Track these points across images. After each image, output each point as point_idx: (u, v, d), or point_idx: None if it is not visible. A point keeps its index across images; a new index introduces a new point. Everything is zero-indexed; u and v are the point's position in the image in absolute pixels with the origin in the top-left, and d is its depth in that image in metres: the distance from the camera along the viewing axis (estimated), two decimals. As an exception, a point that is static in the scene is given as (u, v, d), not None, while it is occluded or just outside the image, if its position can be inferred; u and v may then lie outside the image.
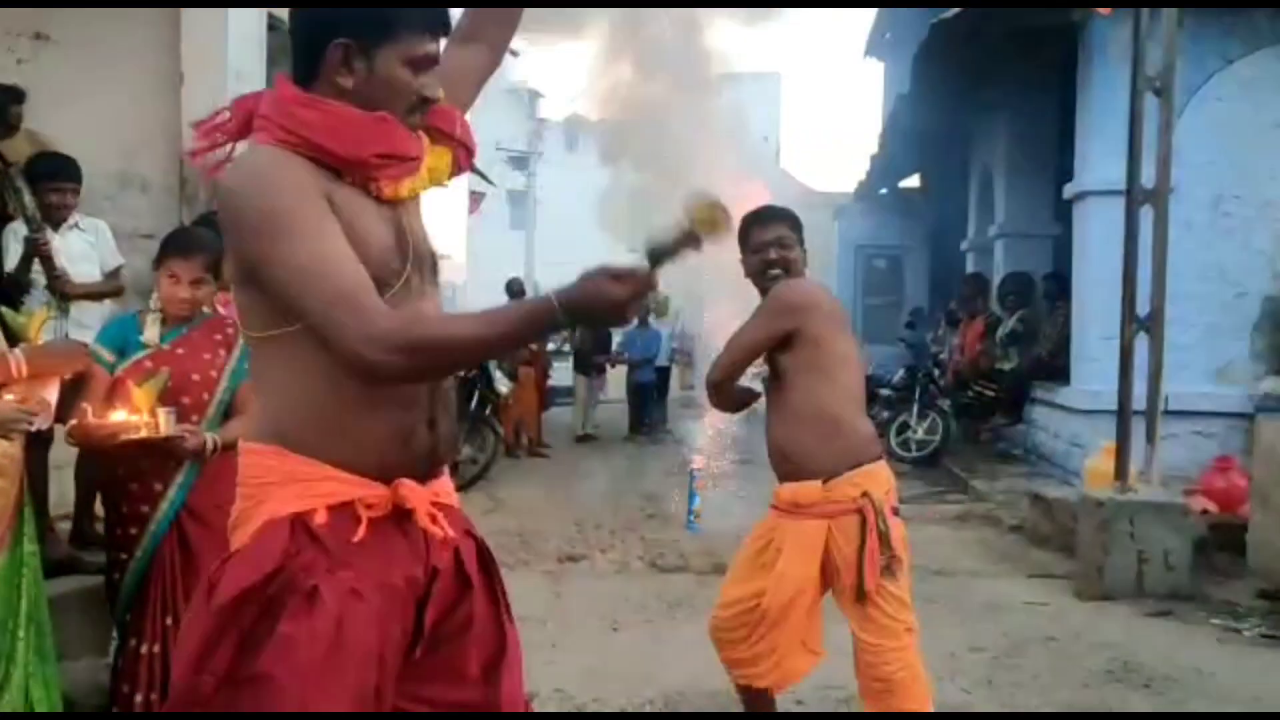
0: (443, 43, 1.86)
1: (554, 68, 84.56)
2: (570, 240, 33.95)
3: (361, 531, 1.72)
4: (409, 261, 1.80)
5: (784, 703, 3.69)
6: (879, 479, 3.19)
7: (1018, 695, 4.42)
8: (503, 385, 11.28)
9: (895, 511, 3.20)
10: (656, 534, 7.58)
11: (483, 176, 15.34)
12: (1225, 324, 8.29)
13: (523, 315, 1.76)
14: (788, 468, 3.27)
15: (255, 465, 1.79)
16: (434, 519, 1.79)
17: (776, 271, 3.29)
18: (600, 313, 1.78)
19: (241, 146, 1.86)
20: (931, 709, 3.14)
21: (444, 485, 1.90)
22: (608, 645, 5.05)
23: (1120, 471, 6.36)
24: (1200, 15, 7.96)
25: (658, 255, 1.85)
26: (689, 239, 1.84)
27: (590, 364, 13.53)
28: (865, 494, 3.11)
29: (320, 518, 1.72)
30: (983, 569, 6.65)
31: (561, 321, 1.72)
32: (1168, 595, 5.86)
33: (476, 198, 21.10)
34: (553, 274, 14.33)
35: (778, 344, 3.24)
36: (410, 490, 1.77)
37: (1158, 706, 4.28)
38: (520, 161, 32.79)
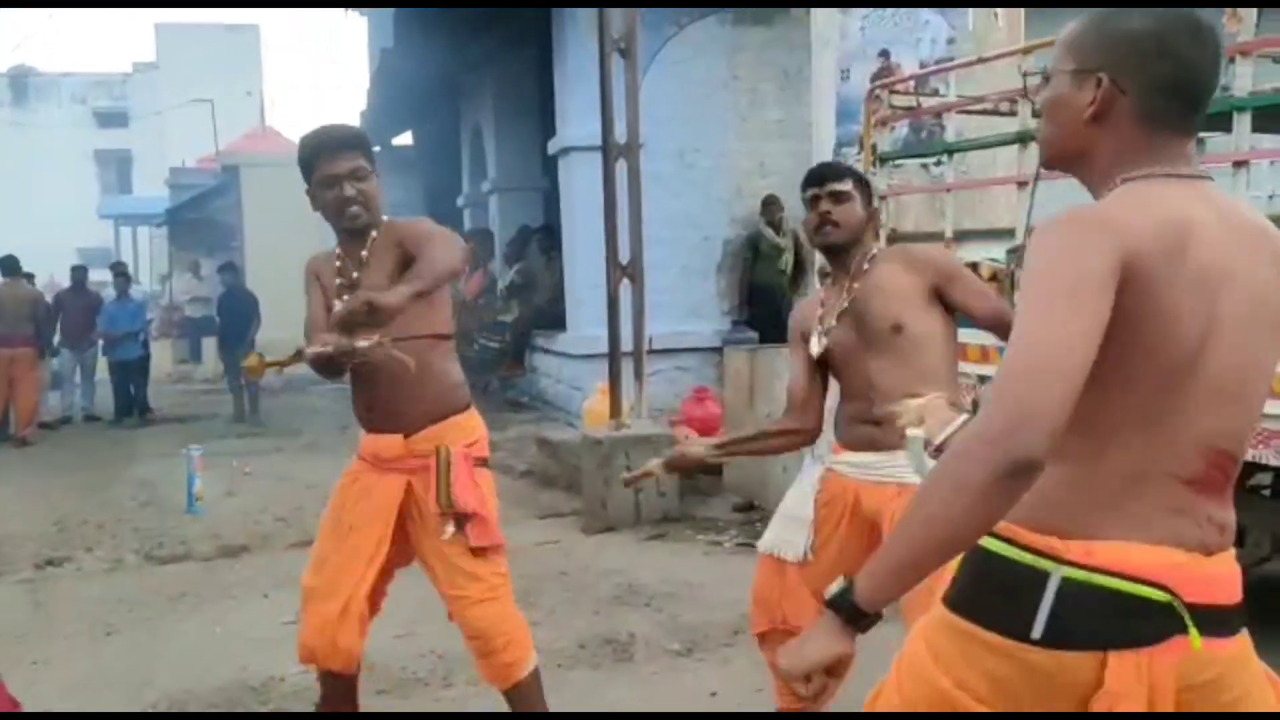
0: None
1: (-9, 10, 74.43)
2: (24, 205, 30.31)
3: None
4: None
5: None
6: (463, 429, 3.05)
7: (537, 632, 4.54)
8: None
9: (484, 462, 3.10)
10: (152, 523, 6.97)
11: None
12: (694, 266, 9.15)
13: None
14: (370, 419, 3.07)
15: None
16: None
17: (356, 210, 2.96)
18: None
19: None
20: (532, 657, 3.10)
21: None
22: (100, 652, 4.57)
23: (614, 409, 6.83)
24: (654, -17, 8.60)
25: None
26: None
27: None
28: (438, 448, 2.97)
29: None
30: (499, 516, 6.83)
31: None
32: (662, 519, 6.41)
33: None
34: (4, 244, 12.49)
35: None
36: None
37: (658, 622, 4.66)
38: (-44, 118, 28.50)
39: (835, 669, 1.53)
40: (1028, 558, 1.45)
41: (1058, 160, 1.60)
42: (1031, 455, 1.29)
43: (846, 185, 2.95)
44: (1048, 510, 1.45)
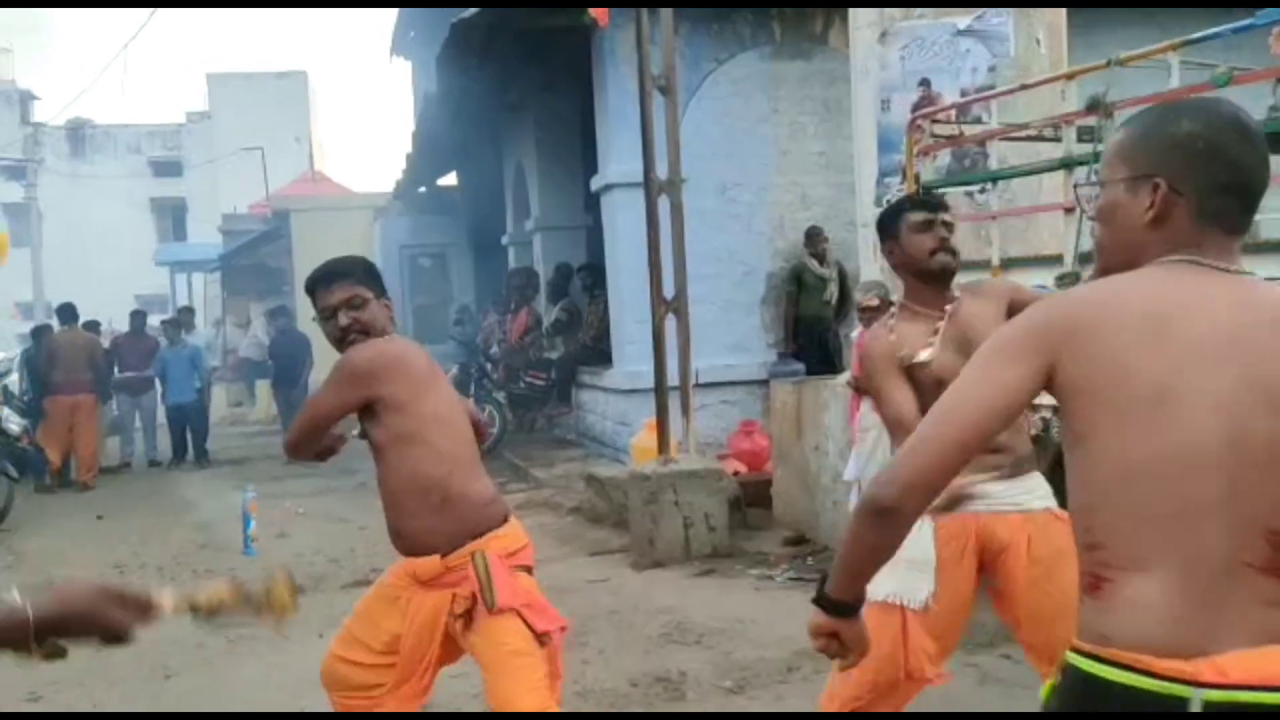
0: None
1: (47, 66, 76.64)
2: (83, 254, 31.02)
3: None
4: None
5: None
6: (501, 542, 2.98)
7: (587, 671, 4.58)
8: (13, 424, 10.05)
9: (528, 570, 3.05)
10: (210, 565, 7.07)
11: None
12: (738, 300, 9.15)
13: None
14: (403, 544, 3.03)
15: None
16: None
17: (355, 337, 2.97)
18: (90, 637, 1.57)
19: None
20: None
21: None
22: (159, 696, 4.63)
23: (662, 445, 6.82)
24: (693, 21, 8.72)
25: (203, 611, 1.82)
26: (251, 610, 1.89)
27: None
28: (473, 554, 2.91)
29: None
30: (547, 554, 6.82)
31: (33, 644, 1.49)
32: (711, 555, 6.37)
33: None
34: (63, 292, 12.80)
35: (362, 414, 2.97)
36: None
37: (709, 660, 4.62)
38: (16, 171, 29.26)
39: (853, 645, 1.70)
40: (1158, 685, 1.39)
41: (1117, 262, 1.59)
42: (886, 505, 1.52)
43: (952, 219, 3.02)
44: (1160, 630, 1.42)
